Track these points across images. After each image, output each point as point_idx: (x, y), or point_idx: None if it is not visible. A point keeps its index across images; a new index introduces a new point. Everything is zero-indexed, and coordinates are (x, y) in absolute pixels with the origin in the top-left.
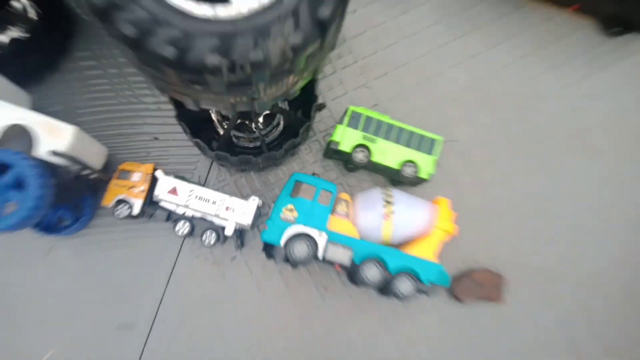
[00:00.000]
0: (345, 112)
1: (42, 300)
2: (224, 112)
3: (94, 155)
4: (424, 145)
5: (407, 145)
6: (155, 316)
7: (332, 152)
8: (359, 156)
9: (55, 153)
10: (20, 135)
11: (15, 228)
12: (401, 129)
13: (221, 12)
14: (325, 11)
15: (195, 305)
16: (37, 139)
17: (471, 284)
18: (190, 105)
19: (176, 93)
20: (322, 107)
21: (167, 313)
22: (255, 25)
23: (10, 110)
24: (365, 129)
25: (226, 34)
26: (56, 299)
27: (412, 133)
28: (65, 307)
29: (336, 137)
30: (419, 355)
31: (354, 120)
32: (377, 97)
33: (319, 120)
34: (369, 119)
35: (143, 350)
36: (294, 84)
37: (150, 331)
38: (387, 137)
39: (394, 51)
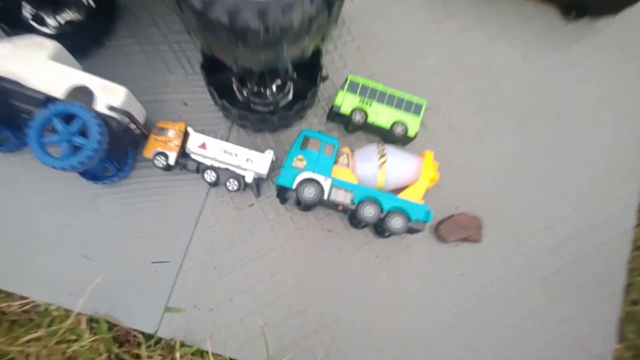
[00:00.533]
0: (346, 81)
1: (88, 240)
2: (254, 69)
3: (138, 113)
4: (411, 108)
5: (397, 108)
6: (186, 253)
7: (334, 116)
8: (357, 117)
9: (111, 107)
10: (83, 93)
11: (81, 165)
12: (392, 95)
13: None
14: None
15: (218, 243)
16: (96, 97)
17: (454, 226)
18: (229, 62)
19: (221, 51)
20: (325, 78)
21: (195, 250)
22: (282, 1)
23: (74, 74)
24: (362, 95)
25: (263, 6)
26: (101, 239)
27: (401, 98)
28: (108, 246)
29: (338, 101)
30: (410, 285)
31: (353, 87)
32: (372, 70)
33: (323, 89)
34: (365, 86)
35: (175, 280)
36: (308, 46)
37: (181, 265)
38: (380, 101)
39: (387, 31)
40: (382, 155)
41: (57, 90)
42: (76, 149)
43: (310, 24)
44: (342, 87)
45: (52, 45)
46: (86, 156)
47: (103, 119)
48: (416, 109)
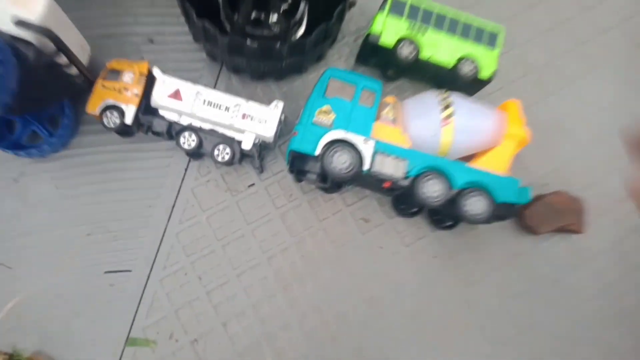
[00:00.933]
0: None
1: (8, 239)
2: None
3: (74, 43)
4: (482, 37)
5: (464, 37)
6: (155, 257)
7: (368, 53)
8: (405, 52)
9: (21, 23)
10: None
11: None
12: (455, 19)
13: None
14: None
15: (204, 242)
16: None
17: (547, 210)
18: None
19: None
20: (353, 3)
21: (170, 253)
22: None
23: None
24: (411, 18)
25: None
26: (28, 238)
27: (467, 24)
28: (39, 247)
29: (375, 28)
30: (488, 299)
31: (397, 8)
32: None
33: (349, 19)
34: (415, 6)
35: (141, 298)
36: None
37: (149, 275)
38: (438, 28)
39: None
40: (447, 107)
41: None
42: None
43: None
44: (382, 8)
45: None
46: None
47: (6, 41)
48: (490, 40)
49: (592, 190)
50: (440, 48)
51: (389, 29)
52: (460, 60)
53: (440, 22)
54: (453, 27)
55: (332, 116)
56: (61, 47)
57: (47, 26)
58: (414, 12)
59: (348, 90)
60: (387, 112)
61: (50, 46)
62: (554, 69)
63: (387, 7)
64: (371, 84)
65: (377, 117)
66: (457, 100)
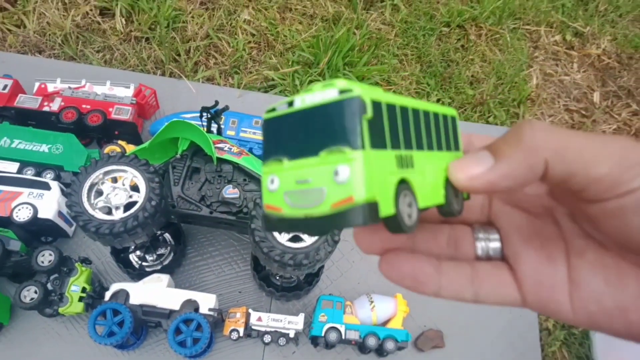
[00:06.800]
0: (360, 113)
1: None
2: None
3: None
4: (446, 136)
5: (438, 147)
6: None
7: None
8: (408, 213)
9: (210, 309)
10: (190, 303)
11: (201, 350)
12: (416, 110)
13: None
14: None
15: None
16: (199, 304)
17: (426, 339)
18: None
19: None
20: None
21: None
22: (306, 250)
23: (183, 293)
24: (394, 143)
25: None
26: None
27: (429, 117)
28: None
29: (370, 192)
30: None
31: (377, 129)
32: None
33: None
34: (392, 109)
35: None
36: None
37: None
38: (418, 146)
39: None
40: (371, 302)
41: (175, 305)
42: (195, 341)
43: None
44: (360, 138)
45: (165, 278)
46: (203, 343)
47: (206, 317)
48: (452, 135)
49: (447, 324)
50: (429, 180)
51: (379, 181)
52: (446, 184)
53: (418, 133)
54: (428, 134)
55: (326, 317)
56: (220, 314)
57: (216, 307)
58: (393, 125)
59: (330, 304)
60: (348, 309)
61: (217, 314)
62: None
63: (366, 132)
64: (340, 299)
65: (345, 312)
66: (375, 297)
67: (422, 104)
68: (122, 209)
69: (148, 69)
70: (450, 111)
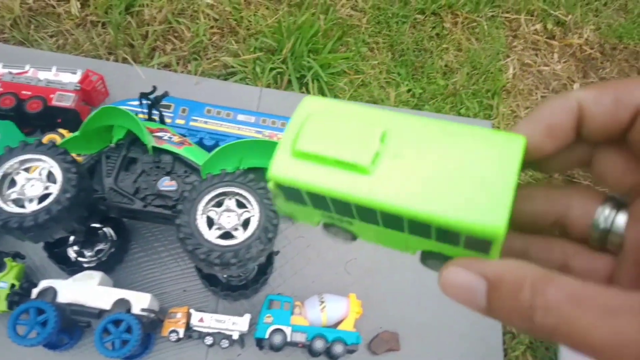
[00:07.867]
0: None
1: None
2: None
3: (156, 307)
4: None
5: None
6: None
7: None
8: None
9: (143, 309)
10: (122, 302)
11: (129, 353)
12: None
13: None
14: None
15: None
16: (131, 304)
17: (380, 341)
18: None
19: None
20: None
21: None
22: (235, 248)
23: (115, 291)
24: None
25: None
26: None
27: None
28: None
29: None
30: None
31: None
32: None
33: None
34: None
35: None
36: None
37: None
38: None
39: None
40: (322, 302)
41: (106, 304)
42: (124, 343)
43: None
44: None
45: (98, 275)
46: (132, 346)
47: (138, 318)
48: None
49: (404, 326)
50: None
51: None
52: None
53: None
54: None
55: (272, 318)
56: (156, 314)
57: (151, 307)
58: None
59: (277, 304)
60: (297, 310)
61: (152, 315)
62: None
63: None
64: (289, 299)
65: (293, 313)
66: (327, 297)
67: None
68: (36, 201)
69: (100, 55)
70: None
